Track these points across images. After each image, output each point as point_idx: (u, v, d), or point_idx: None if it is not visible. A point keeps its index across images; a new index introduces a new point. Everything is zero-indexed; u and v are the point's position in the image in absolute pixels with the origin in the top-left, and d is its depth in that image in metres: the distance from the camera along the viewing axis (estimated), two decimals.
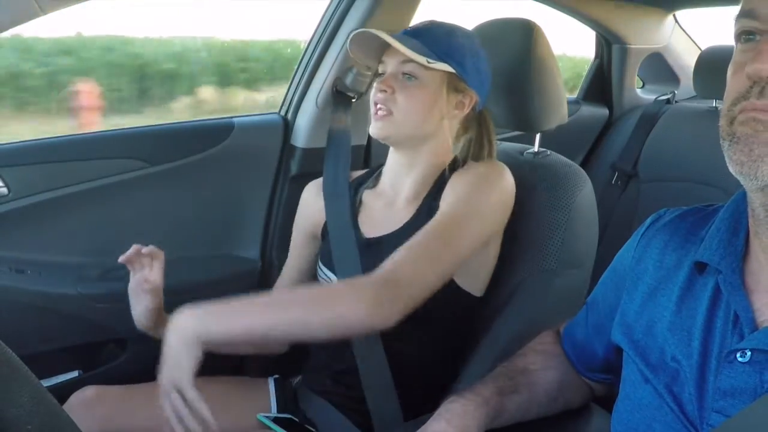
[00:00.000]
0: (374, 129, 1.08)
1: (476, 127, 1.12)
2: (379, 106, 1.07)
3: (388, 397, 1.05)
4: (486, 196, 1.03)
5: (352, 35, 1.07)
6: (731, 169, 0.58)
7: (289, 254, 1.29)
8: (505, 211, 1.06)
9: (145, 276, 1.07)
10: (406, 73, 1.06)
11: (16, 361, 0.56)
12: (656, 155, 2.04)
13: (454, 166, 1.10)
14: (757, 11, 0.57)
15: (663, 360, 0.66)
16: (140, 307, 1.09)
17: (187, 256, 1.48)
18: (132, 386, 1.18)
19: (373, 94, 1.09)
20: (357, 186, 1.21)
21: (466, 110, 1.10)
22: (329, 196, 1.19)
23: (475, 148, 1.12)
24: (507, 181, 1.06)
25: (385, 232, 1.11)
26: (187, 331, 0.85)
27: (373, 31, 1.04)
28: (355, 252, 1.11)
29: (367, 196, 1.18)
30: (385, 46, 1.07)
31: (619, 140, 2.18)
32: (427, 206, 1.08)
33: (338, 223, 1.15)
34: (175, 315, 0.89)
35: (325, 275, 1.16)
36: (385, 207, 1.15)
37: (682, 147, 1.96)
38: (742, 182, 0.59)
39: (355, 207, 1.18)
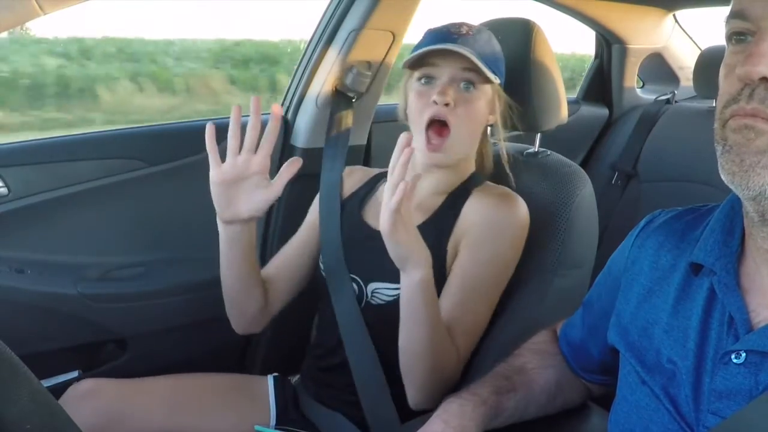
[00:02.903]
0: (430, 158, 1.00)
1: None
2: (435, 123, 0.98)
3: (382, 396, 1.06)
4: (507, 244, 1.01)
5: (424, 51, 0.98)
6: (723, 178, 0.58)
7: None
8: (522, 244, 1.04)
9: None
10: (467, 81, 0.99)
11: (15, 361, 0.56)
12: (656, 155, 2.05)
13: (474, 181, 1.08)
14: (748, 12, 0.56)
15: (659, 362, 0.66)
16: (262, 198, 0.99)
17: (187, 256, 1.48)
18: (128, 380, 1.18)
19: (420, 106, 0.99)
20: (378, 179, 1.20)
21: (498, 114, 1.07)
22: (324, 197, 1.19)
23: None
24: (523, 215, 1.02)
25: None
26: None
27: (457, 48, 0.96)
28: (341, 251, 1.10)
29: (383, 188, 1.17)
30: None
31: (619, 140, 2.18)
32: (441, 220, 1.05)
33: (329, 224, 1.15)
34: None
35: (321, 267, 1.16)
36: None
37: (682, 147, 1.97)
38: (734, 191, 0.58)
39: (366, 198, 1.16)
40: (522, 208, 1.03)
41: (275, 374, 1.26)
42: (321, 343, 1.17)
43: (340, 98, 1.48)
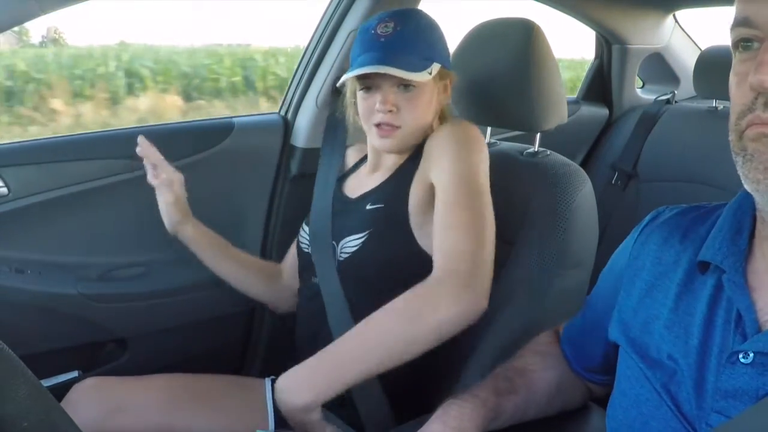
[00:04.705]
0: (382, 144, 1.08)
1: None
2: (383, 124, 1.05)
3: (374, 395, 1.06)
4: (475, 155, 1.04)
5: (355, 72, 1.02)
6: (747, 187, 0.58)
7: None
8: (486, 160, 1.07)
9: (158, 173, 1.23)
10: (404, 84, 1.04)
11: (12, 358, 0.56)
12: (656, 155, 2.04)
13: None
14: (753, 19, 0.56)
15: (659, 358, 0.66)
16: (162, 202, 1.25)
17: (187, 256, 1.48)
18: (129, 377, 1.18)
19: (367, 112, 1.07)
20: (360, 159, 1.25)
21: (449, 90, 1.12)
22: (319, 195, 1.22)
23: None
24: (475, 130, 1.07)
25: (361, 192, 1.15)
26: (308, 403, 0.94)
27: (382, 69, 1.00)
28: (330, 249, 1.12)
29: (360, 165, 1.24)
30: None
31: (619, 140, 2.18)
32: (402, 173, 1.10)
33: (319, 219, 1.17)
34: (284, 388, 0.98)
35: (305, 234, 1.20)
36: (366, 174, 1.19)
37: (682, 147, 1.96)
38: (758, 199, 0.59)
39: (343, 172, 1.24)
40: (477, 130, 1.07)
41: (273, 377, 1.26)
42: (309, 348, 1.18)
43: (340, 98, 1.48)
